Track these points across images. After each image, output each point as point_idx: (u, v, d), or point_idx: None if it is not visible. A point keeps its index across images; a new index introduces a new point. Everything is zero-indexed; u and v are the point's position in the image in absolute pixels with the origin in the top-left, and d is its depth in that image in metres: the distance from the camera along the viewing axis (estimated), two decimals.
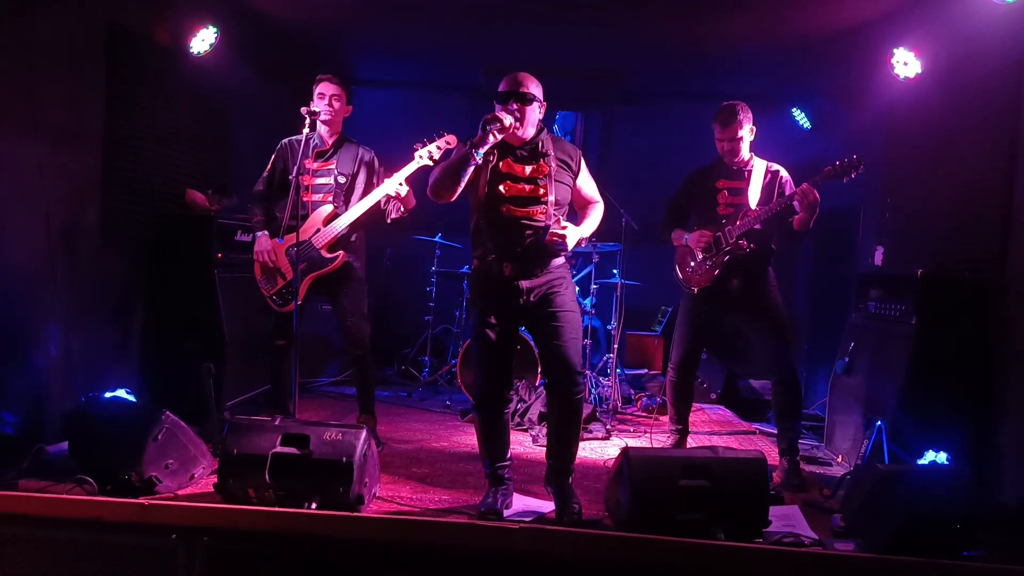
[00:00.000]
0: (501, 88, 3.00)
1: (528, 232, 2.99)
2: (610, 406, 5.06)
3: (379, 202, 3.74)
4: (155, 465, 3.03)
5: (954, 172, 4.03)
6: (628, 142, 6.67)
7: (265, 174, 3.88)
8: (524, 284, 3.01)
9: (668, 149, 6.13)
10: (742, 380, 5.69)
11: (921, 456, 3.22)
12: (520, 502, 3.22)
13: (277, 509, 2.61)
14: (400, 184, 3.66)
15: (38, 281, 3.59)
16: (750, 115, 3.67)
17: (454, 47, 5.65)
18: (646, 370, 6.15)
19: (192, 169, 4.72)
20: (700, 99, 6.34)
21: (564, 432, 3.09)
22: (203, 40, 4.45)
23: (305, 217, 3.73)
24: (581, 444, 4.09)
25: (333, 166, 3.82)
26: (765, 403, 5.30)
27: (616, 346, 5.20)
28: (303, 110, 3.53)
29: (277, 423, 2.94)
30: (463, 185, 2.96)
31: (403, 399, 5.50)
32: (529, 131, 3.02)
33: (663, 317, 6.36)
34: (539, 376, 5.06)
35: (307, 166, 3.75)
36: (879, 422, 3.42)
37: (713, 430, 4.95)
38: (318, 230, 3.77)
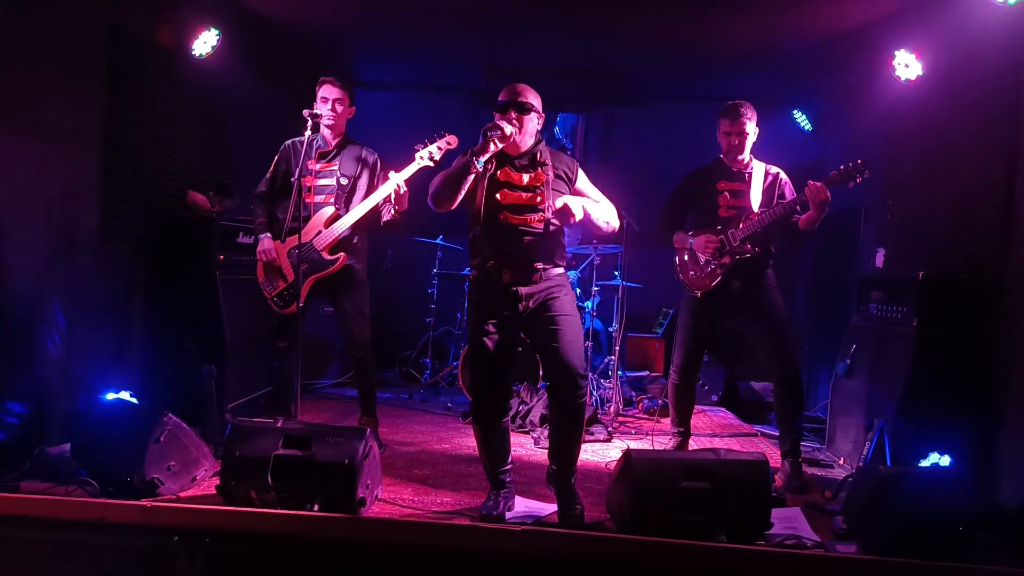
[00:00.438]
0: (501, 99, 3.03)
1: (526, 239, 3.01)
2: (611, 408, 5.06)
3: (377, 203, 3.75)
4: (157, 467, 3.03)
5: (955, 174, 4.03)
6: (629, 143, 6.67)
7: (268, 175, 3.88)
8: (523, 291, 3.01)
9: (669, 150, 6.13)
10: (743, 382, 5.69)
11: (922, 458, 3.23)
12: (522, 504, 3.21)
13: (279, 511, 2.61)
14: (399, 185, 3.66)
15: (38, 282, 3.59)
16: (755, 115, 3.68)
17: (455, 49, 5.66)
18: (647, 372, 6.15)
19: (193, 170, 4.73)
20: (701, 100, 6.35)
21: (565, 435, 3.08)
22: (205, 42, 4.46)
23: (307, 219, 3.73)
24: (583, 446, 4.14)
25: (336, 167, 3.83)
26: (766, 405, 5.30)
27: (617, 348, 5.20)
28: (305, 113, 3.53)
29: (279, 425, 2.94)
30: (463, 193, 2.98)
31: (404, 401, 5.50)
32: (527, 141, 3.04)
33: (664, 319, 6.36)
34: (540, 378, 5.07)
35: (310, 167, 3.76)
36: (880, 424, 3.42)
37: (714, 432, 4.94)
38: (319, 232, 3.77)
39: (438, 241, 5.71)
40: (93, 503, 2.58)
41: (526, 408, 4.76)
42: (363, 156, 3.87)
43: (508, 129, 2.90)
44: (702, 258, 3.73)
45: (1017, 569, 2.38)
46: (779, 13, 4.50)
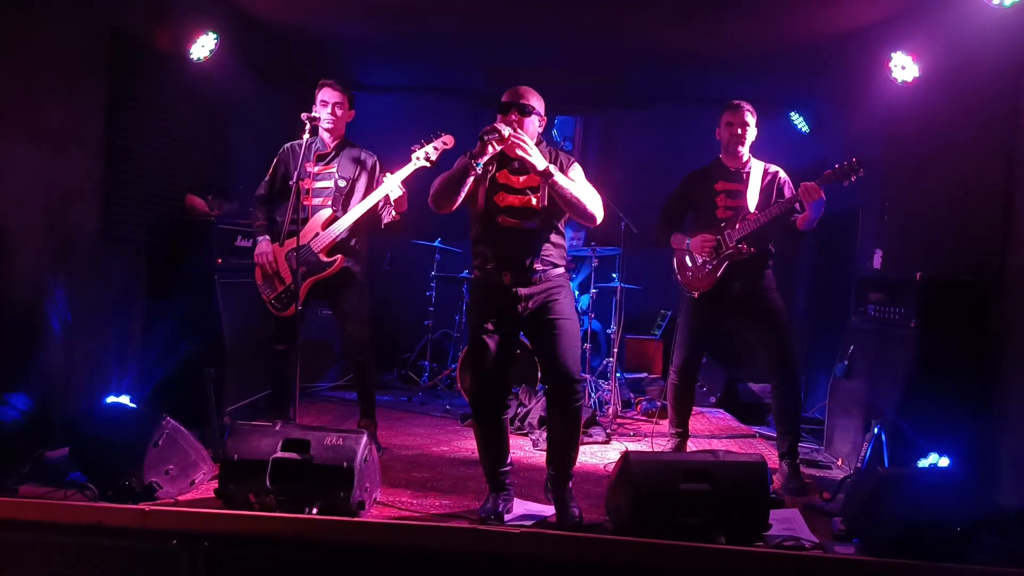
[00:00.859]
0: (503, 100, 3.04)
1: (524, 241, 3.03)
2: (610, 410, 5.06)
3: (376, 205, 3.74)
4: (156, 471, 3.03)
5: (953, 175, 4.04)
6: (628, 146, 6.68)
7: (267, 178, 3.89)
8: (522, 291, 3.03)
9: (668, 153, 6.13)
10: (741, 384, 5.69)
11: (921, 459, 3.23)
12: (521, 506, 3.22)
13: (278, 514, 2.61)
14: (395, 186, 3.67)
15: (38, 286, 3.60)
16: (756, 115, 3.71)
17: (455, 52, 5.67)
18: (646, 374, 6.15)
19: (192, 174, 4.73)
20: (699, 103, 6.35)
21: (564, 438, 3.10)
22: (203, 46, 4.47)
23: (305, 221, 3.74)
24: (581, 448, 4.12)
25: (334, 170, 3.83)
26: (765, 406, 5.30)
27: (616, 350, 5.20)
28: (303, 116, 3.54)
29: (278, 428, 2.94)
30: (463, 196, 3.00)
31: (403, 403, 5.50)
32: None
33: (663, 321, 6.37)
34: (539, 380, 5.07)
35: (308, 169, 3.76)
36: (879, 425, 3.42)
37: (713, 433, 4.94)
38: (317, 234, 3.77)
39: (436, 244, 5.72)
40: (92, 507, 2.58)
41: (524, 410, 4.76)
42: (361, 158, 3.87)
43: (506, 131, 2.89)
44: (699, 259, 3.73)
45: (1016, 570, 2.39)
46: (777, 15, 4.51)
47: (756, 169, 3.73)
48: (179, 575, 2.31)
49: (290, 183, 3.63)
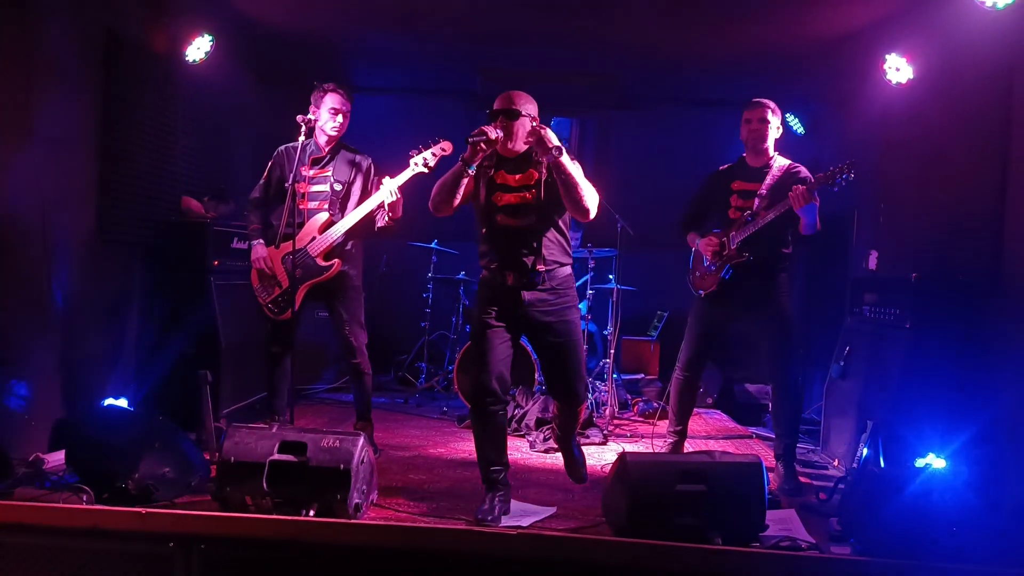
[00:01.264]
0: (493, 108, 3.08)
1: (524, 239, 3.07)
2: (607, 411, 5.06)
3: (372, 210, 3.75)
4: (152, 473, 3.02)
5: (947, 176, 4.05)
6: (623, 147, 6.68)
7: (261, 181, 3.88)
8: (527, 296, 3.09)
9: (664, 154, 6.15)
10: (738, 385, 5.70)
11: (916, 459, 3.23)
12: (518, 507, 3.22)
13: (274, 517, 2.61)
14: (392, 192, 3.67)
15: (34, 288, 3.59)
16: (779, 112, 3.69)
17: (451, 54, 5.67)
18: (642, 375, 6.15)
19: (188, 176, 4.73)
20: (695, 104, 6.37)
21: (568, 422, 3.43)
22: (199, 48, 4.46)
23: (301, 225, 3.73)
24: None
25: (329, 173, 3.82)
26: (761, 407, 5.32)
27: (612, 351, 5.20)
28: (300, 119, 3.54)
29: (274, 430, 2.94)
30: (459, 199, 3.07)
31: (400, 405, 5.50)
32: (520, 145, 3.07)
33: (659, 322, 6.37)
34: (536, 382, 5.07)
35: (303, 173, 3.76)
36: (874, 425, 3.43)
37: (710, 434, 4.95)
38: (314, 238, 3.77)
39: (433, 245, 5.72)
40: (88, 510, 2.57)
41: (521, 412, 4.76)
42: (357, 161, 3.87)
43: (492, 134, 2.95)
44: (705, 259, 3.75)
45: (1013, 571, 2.39)
46: (772, 17, 4.52)
47: (776, 168, 3.66)
48: None
49: (286, 186, 3.63)
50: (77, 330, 3.80)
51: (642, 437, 4.68)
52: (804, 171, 3.65)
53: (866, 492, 2.84)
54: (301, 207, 3.74)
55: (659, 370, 6.10)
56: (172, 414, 3.23)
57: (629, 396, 5.63)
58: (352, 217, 3.76)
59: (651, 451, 4.24)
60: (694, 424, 5.07)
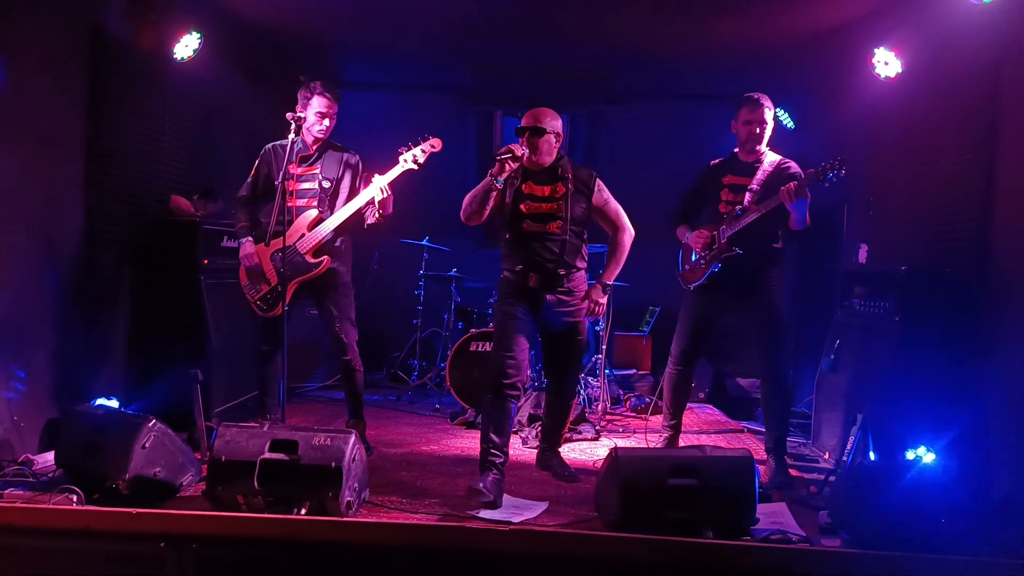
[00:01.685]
0: (519, 125, 3.41)
1: (548, 245, 3.40)
2: (599, 407, 5.07)
3: (362, 207, 3.74)
4: (143, 473, 3.01)
5: (935, 169, 4.07)
6: (614, 142, 6.68)
7: (249, 179, 3.87)
8: (549, 297, 3.43)
9: (654, 148, 6.15)
10: (730, 379, 5.72)
11: (906, 452, 3.26)
12: (510, 502, 3.22)
13: (266, 515, 2.61)
14: (382, 189, 3.67)
15: (22, 288, 3.57)
16: (773, 106, 3.70)
17: (440, 49, 5.65)
18: (635, 370, 6.16)
19: (177, 174, 4.70)
20: (686, 98, 6.37)
21: (558, 420, 3.72)
22: (187, 46, 4.42)
23: (290, 222, 3.72)
24: (571, 445, 4.31)
25: (317, 171, 3.82)
26: (753, 401, 5.33)
27: (605, 347, 5.21)
28: (289, 116, 3.52)
29: (265, 429, 2.93)
30: (489, 209, 3.36)
31: (392, 403, 5.49)
32: (546, 159, 3.41)
33: (651, 317, 6.38)
34: (528, 379, 5.07)
35: (291, 171, 3.74)
36: (864, 418, 3.45)
37: (702, 429, 4.97)
38: (303, 235, 3.76)
39: (424, 243, 5.70)
40: (78, 511, 2.57)
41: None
42: (344, 158, 3.86)
43: (519, 151, 3.24)
44: (695, 253, 3.76)
45: (1002, 560, 2.41)
46: (761, 11, 4.52)
47: (767, 163, 3.68)
48: None
49: (275, 183, 3.62)
50: (66, 330, 3.78)
51: (634, 432, 4.69)
52: (795, 167, 3.66)
53: (856, 485, 2.86)
54: (289, 204, 3.73)
55: (651, 365, 6.11)
56: (163, 414, 3.21)
57: (621, 391, 5.64)
58: (341, 214, 3.76)
59: (643, 446, 4.25)
60: (686, 419, 5.06)
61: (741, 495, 2.75)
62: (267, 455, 2.81)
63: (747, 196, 3.64)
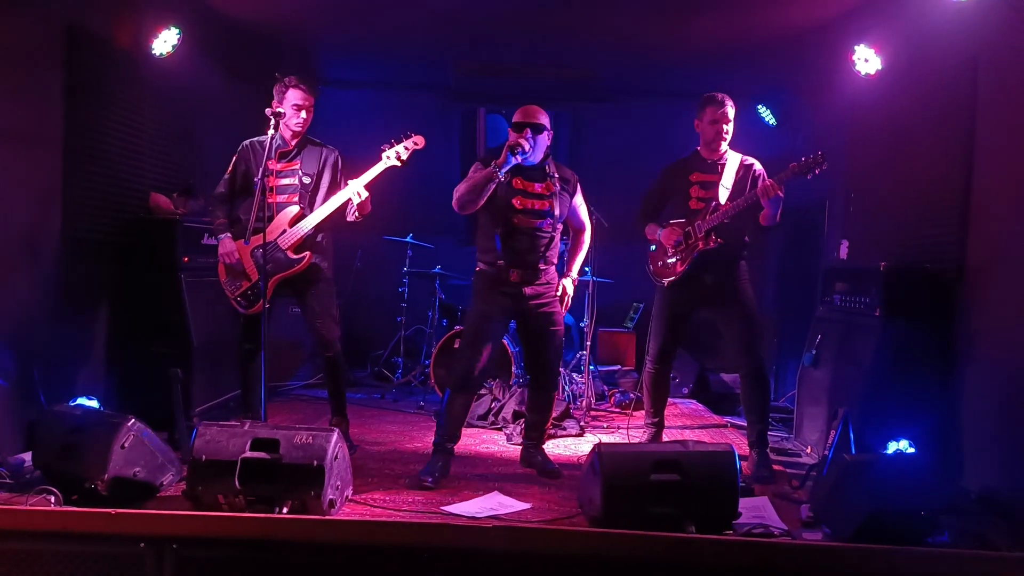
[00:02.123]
0: (516, 119, 3.46)
1: (535, 241, 3.46)
2: (584, 403, 5.08)
3: (342, 205, 3.73)
4: (122, 473, 2.97)
5: (915, 166, 4.11)
6: (597, 140, 6.69)
7: (226, 176, 3.84)
8: (527, 290, 3.48)
9: (637, 146, 6.17)
10: (713, 374, 5.76)
11: (886, 446, 3.29)
12: (494, 500, 3.23)
13: (247, 515, 2.58)
14: (359, 192, 3.65)
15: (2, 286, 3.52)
16: (735, 107, 3.73)
17: (424, 47, 5.63)
18: (619, 366, 6.18)
19: (156, 172, 4.65)
20: (668, 96, 6.40)
21: (541, 414, 3.76)
22: (165, 41, 4.37)
23: (270, 219, 3.69)
24: (555, 441, 4.33)
25: (297, 167, 3.79)
26: (736, 396, 5.35)
27: (589, 343, 5.22)
28: (268, 111, 3.50)
29: (246, 428, 2.91)
30: (484, 199, 3.39)
31: (376, 401, 5.47)
32: (539, 155, 3.47)
33: (635, 313, 6.40)
34: (513, 375, 5.08)
35: (270, 167, 3.71)
36: (845, 413, 3.47)
37: (685, 424, 5.00)
38: (284, 231, 3.74)
39: (408, 240, 5.68)
40: (56, 512, 2.53)
41: (499, 405, 4.76)
42: (324, 155, 3.85)
43: (527, 145, 3.35)
44: (668, 249, 3.77)
45: (980, 552, 2.44)
46: (743, 9, 4.54)
47: (732, 161, 3.75)
48: None
49: (255, 179, 3.59)
50: (45, 330, 3.72)
51: (619, 428, 4.71)
52: (757, 165, 3.78)
53: (837, 479, 2.88)
54: (270, 201, 3.70)
55: (635, 361, 6.13)
56: (143, 413, 3.17)
57: (606, 387, 5.66)
58: (323, 211, 3.74)
59: (627, 442, 4.26)
60: (669, 414, 5.09)
61: (723, 490, 2.76)
62: (248, 454, 2.79)
63: (719, 192, 3.68)
